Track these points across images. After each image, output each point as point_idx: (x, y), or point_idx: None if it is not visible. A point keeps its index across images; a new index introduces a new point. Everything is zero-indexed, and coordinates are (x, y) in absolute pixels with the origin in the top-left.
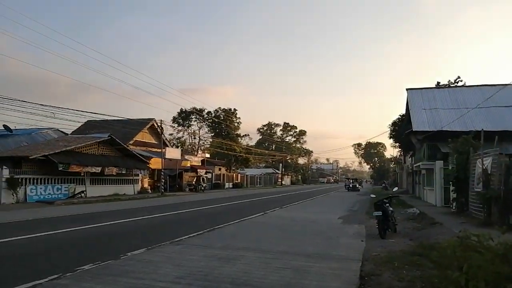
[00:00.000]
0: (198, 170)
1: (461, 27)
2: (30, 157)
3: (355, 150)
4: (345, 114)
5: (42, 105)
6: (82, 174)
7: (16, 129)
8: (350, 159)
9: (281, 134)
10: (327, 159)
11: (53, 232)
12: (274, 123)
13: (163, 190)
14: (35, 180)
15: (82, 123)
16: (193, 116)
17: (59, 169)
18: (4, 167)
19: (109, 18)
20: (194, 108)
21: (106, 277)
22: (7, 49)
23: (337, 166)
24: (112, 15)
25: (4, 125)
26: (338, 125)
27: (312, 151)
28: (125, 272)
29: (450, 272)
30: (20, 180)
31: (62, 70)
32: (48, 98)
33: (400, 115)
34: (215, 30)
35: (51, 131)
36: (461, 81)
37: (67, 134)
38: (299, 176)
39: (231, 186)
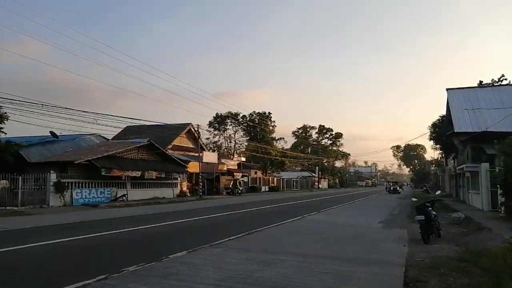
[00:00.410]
0: (235, 173)
1: (503, 25)
2: (75, 162)
3: (394, 153)
4: (383, 115)
5: (85, 111)
6: (123, 178)
7: (62, 135)
8: (389, 162)
9: (317, 137)
10: (365, 162)
11: (99, 234)
12: (309, 126)
13: (201, 194)
14: (80, 184)
15: (121, 129)
16: (228, 120)
17: (102, 173)
18: (52, 171)
19: (144, 25)
20: (229, 112)
21: (150, 279)
22: (49, 58)
23: (376, 169)
24: (147, 21)
25: (50, 132)
26: (375, 127)
27: (349, 154)
28: (168, 274)
29: (505, 282)
30: (66, 184)
31: (99, 77)
32: (88, 104)
33: (440, 116)
34: (249, 35)
35: (93, 137)
36: (505, 79)
37: (108, 139)
38: (337, 179)
39: (267, 189)
